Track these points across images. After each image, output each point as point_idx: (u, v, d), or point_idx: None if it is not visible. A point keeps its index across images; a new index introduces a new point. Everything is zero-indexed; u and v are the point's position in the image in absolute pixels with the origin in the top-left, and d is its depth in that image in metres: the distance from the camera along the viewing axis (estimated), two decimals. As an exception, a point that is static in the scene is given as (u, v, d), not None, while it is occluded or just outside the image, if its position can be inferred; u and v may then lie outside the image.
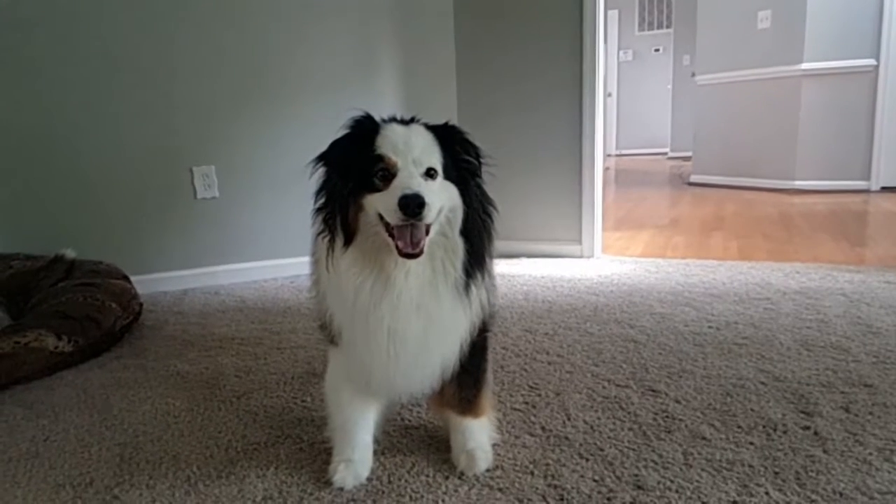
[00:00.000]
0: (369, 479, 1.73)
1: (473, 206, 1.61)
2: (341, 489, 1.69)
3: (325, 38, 4.17)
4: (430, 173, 1.54)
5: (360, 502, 1.64)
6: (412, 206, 1.42)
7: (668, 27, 14.32)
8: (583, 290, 3.61)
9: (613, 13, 14.61)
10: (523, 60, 4.44)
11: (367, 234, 1.55)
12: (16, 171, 3.72)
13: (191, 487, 1.76)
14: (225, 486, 1.75)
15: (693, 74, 9.09)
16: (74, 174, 3.81)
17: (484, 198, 1.67)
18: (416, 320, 1.58)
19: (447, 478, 1.74)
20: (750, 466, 1.73)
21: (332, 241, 1.57)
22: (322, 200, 1.61)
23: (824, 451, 1.79)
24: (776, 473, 1.69)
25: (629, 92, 15.21)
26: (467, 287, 1.61)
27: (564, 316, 3.17)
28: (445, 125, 1.66)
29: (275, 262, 4.24)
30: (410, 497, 1.66)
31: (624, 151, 15.38)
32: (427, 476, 1.75)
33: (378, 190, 1.51)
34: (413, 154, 1.52)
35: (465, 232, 1.60)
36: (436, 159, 1.56)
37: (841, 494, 1.59)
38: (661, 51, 14.70)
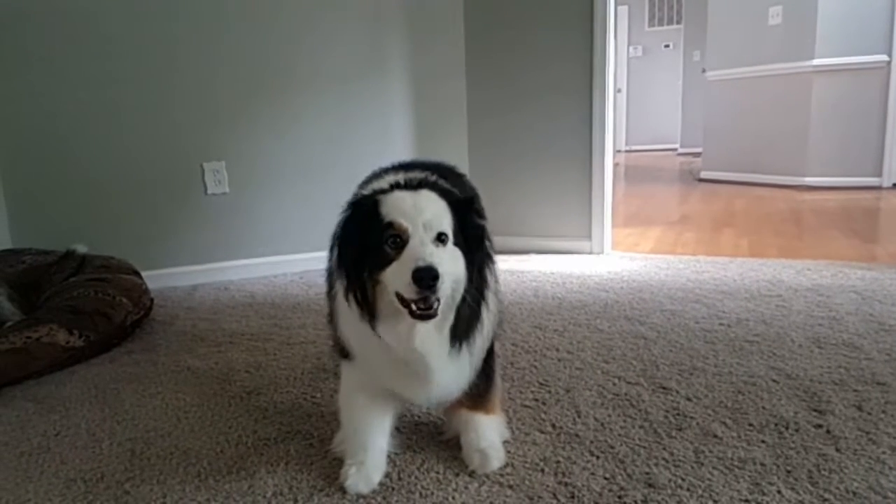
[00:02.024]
0: (380, 477, 1.74)
1: (472, 279, 1.61)
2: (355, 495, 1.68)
3: (334, 31, 4.16)
4: (441, 238, 1.53)
5: (369, 499, 1.64)
6: (426, 279, 1.41)
7: (678, 23, 14.26)
8: (593, 287, 3.60)
9: (623, 9, 14.53)
10: (533, 56, 4.43)
11: (385, 301, 1.56)
12: (28, 167, 3.74)
13: (201, 483, 1.76)
14: (235, 481, 1.76)
15: (703, 70, 9.05)
16: (86, 170, 3.82)
17: (485, 261, 1.68)
18: (430, 365, 1.61)
19: (457, 475, 1.73)
20: (762, 465, 1.72)
21: (358, 310, 1.58)
22: (340, 266, 1.62)
23: (837, 450, 1.79)
24: (788, 472, 1.68)
25: (639, 88, 15.15)
26: (461, 347, 1.64)
27: (574, 312, 3.16)
28: (456, 197, 1.66)
29: (284, 258, 4.24)
30: (421, 494, 1.66)
31: (634, 147, 15.33)
32: (437, 473, 1.75)
33: (391, 260, 1.49)
34: (423, 217, 1.51)
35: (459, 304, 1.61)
36: (447, 223, 1.55)
37: (854, 493, 1.58)
38: (671, 46, 14.64)
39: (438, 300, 1.49)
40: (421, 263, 1.42)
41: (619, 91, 14.63)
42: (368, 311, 1.56)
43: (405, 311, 1.51)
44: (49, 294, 3.03)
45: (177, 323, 3.27)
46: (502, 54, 4.52)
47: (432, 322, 1.54)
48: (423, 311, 1.48)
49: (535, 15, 4.38)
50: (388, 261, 1.50)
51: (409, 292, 1.45)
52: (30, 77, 3.66)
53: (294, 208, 4.17)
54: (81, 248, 3.38)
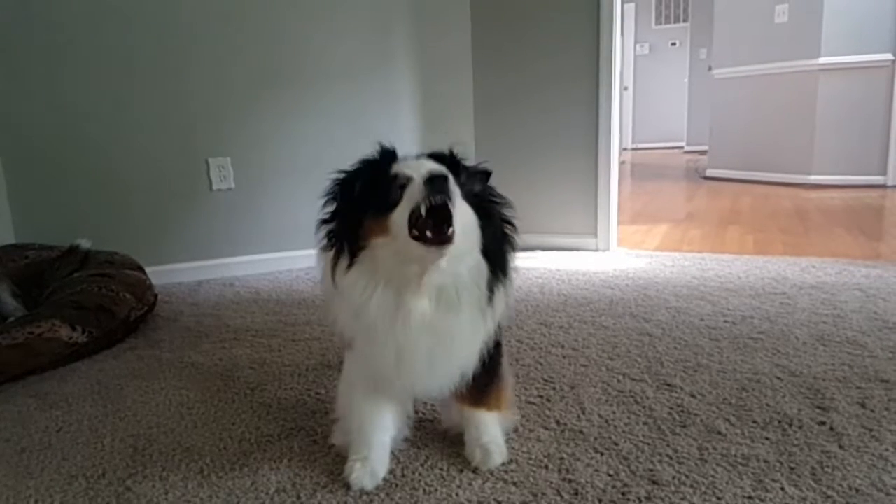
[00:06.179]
0: (383, 473, 1.73)
1: (494, 223, 1.61)
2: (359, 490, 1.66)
3: (340, 27, 4.16)
4: None
5: (373, 496, 1.64)
6: (436, 180, 1.42)
7: (684, 21, 14.24)
8: (598, 284, 3.60)
9: (630, 7, 14.54)
10: (540, 53, 4.43)
11: (375, 251, 1.53)
12: (32, 162, 3.74)
13: (204, 479, 1.76)
14: (238, 478, 1.75)
15: (710, 68, 9.04)
16: (90, 165, 3.82)
17: (502, 209, 1.68)
18: (427, 339, 1.56)
19: (461, 471, 1.73)
20: (765, 462, 1.71)
21: (336, 257, 1.56)
22: (330, 215, 1.61)
23: (840, 447, 1.78)
24: (792, 469, 1.68)
25: (645, 86, 15.14)
26: (490, 300, 1.61)
27: (580, 309, 3.15)
28: (452, 155, 1.65)
29: (289, 254, 4.24)
30: (424, 490, 1.65)
31: (640, 145, 15.33)
32: (441, 469, 1.75)
33: (397, 202, 1.48)
34: (426, 168, 1.51)
35: (486, 250, 1.59)
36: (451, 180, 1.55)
37: (857, 490, 1.57)
38: (677, 44, 14.63)
39: (449, 232, 1.45)
40: (426, 170, 1.46)
41: (626, 89, 14.62)
42: (353, 252, 1.54)
43: (420, 247, 1.46)
44: (52, 289, 3.03)
45: (181, 319, 3.28)
46: (508, 48, 4.51)
47: (437, 287, 1.54)
48: (439, 234, 1.44)
49: (541, 7, 4.37)
50: (394, 203, 1.48)
51: (419, 196, 1.42)
52: (33, 72, 3.66)
53: (299, 204, 4.15)
54: (85, 244, 3.38)
